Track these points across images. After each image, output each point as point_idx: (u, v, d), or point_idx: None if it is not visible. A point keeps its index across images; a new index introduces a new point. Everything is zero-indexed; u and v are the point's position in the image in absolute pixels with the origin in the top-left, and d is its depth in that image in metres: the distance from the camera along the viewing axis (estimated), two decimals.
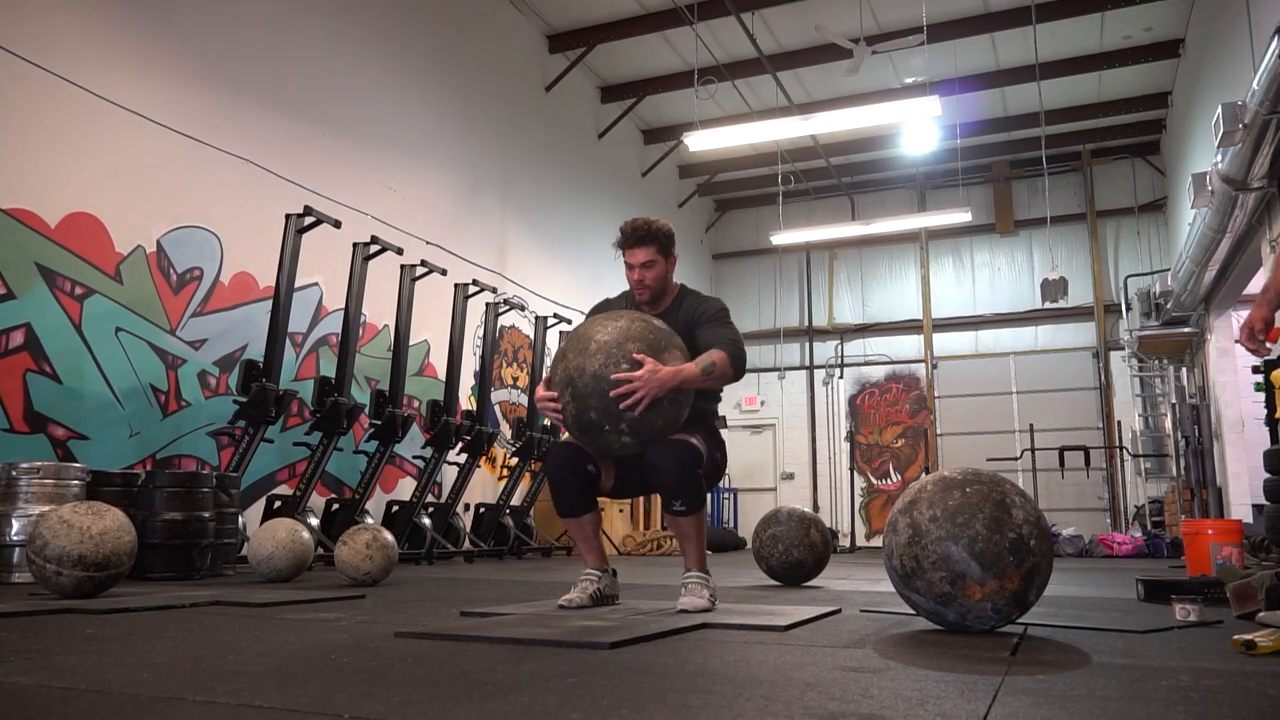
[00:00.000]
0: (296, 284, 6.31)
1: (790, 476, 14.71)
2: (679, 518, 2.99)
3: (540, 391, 3.00)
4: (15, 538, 4.27)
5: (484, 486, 8.96)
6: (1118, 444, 12.66)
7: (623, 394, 2.76)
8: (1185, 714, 1.44)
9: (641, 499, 10.88)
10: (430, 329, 8.24)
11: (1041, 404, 13.23)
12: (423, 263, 7.33)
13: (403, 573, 5.47)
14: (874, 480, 14.24)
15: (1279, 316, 2.98)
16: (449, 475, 7.91)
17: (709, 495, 3.19)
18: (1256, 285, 8.36)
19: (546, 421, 8.78)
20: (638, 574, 5.64)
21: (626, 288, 3.30)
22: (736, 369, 2.99)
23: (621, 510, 10.54)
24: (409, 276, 7.21)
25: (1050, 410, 13.11)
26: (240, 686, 1.60)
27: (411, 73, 8.61)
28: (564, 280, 10.87)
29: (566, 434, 3.10)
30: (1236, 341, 2.93)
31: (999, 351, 13.88)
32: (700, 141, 9.33)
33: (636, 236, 3.13)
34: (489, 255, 9.57)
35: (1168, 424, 11.76)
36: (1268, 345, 2.88)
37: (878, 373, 14.55)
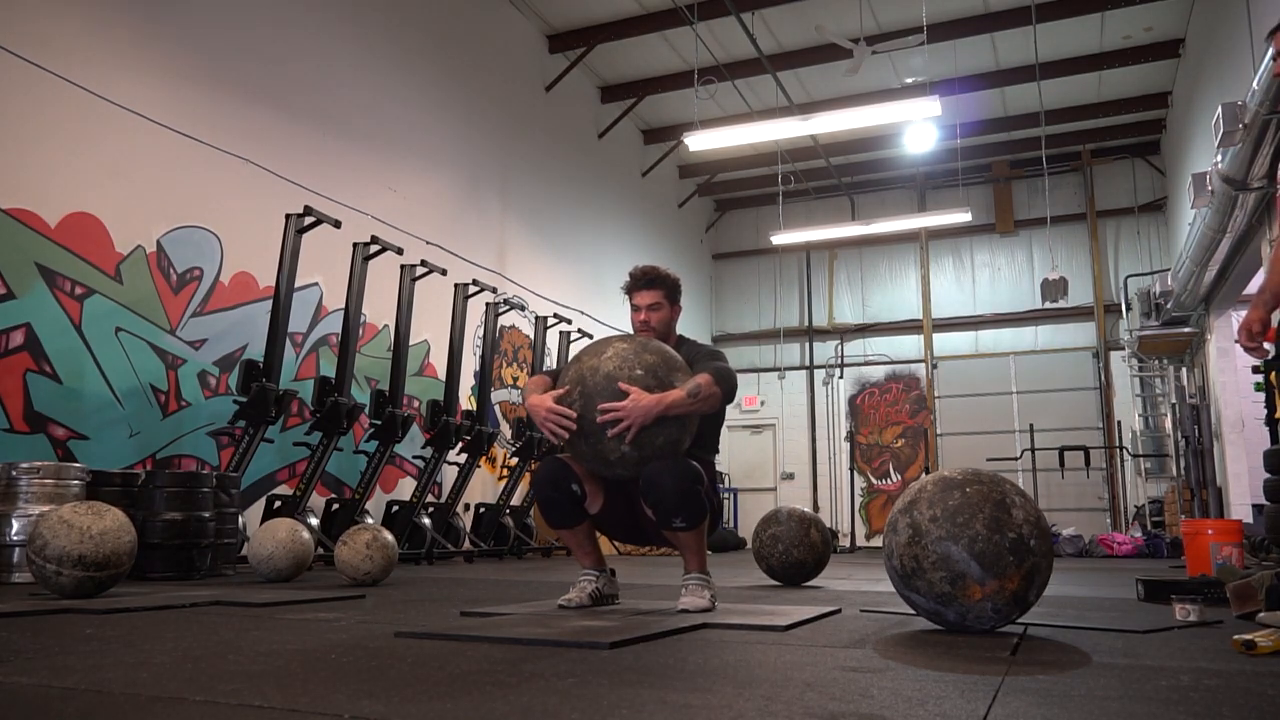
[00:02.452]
0: (296, 284, 6.31)
1: (790, 476, 14.71)
2: (679, 533, 2.92)
3: (549, 402, 2.85)
4: (15, 538, 4.27)
5: (484, 486, 8.96)
6: (1118, 444, 12.66)
7: (611, 421, 2.76)
8: (1185, 714, 1.44)
9: None
10: (430, 329, 8.24)
11: (1041, 404, 13.23)
12: (423, 263, 7.33)
13: (403, 573, 5.47)
14: (874, 480, 14.24)
15: (1275, 317, 2.98)
16: (449, 475, 7.91)
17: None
18: (1256, 285, 8.36)
19: None
20: (637, 574, 5.64)
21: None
22: (724, 390, 2.95)
23: None
24: (409, 276, 7.21)
25: (1050, 410, 13.11)
26: (240, 686, 1.60)
27: (412, 73, 8.61)
28: (564, 280, 10.87)
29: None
30: (1236, 342, 2.93)
31: (999, 351, 13.88)
32: (700, 141, 9.33)
33: (645, 280, 3.22)
34: (489, 255, 9.56)
35: (1168, 424, 11.76)
36: (1265, 346, 2.89)
37: (878, 373, 14.55)
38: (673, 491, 2.82)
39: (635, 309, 3.22)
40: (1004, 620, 2.42)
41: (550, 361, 9.77)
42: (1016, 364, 13.70)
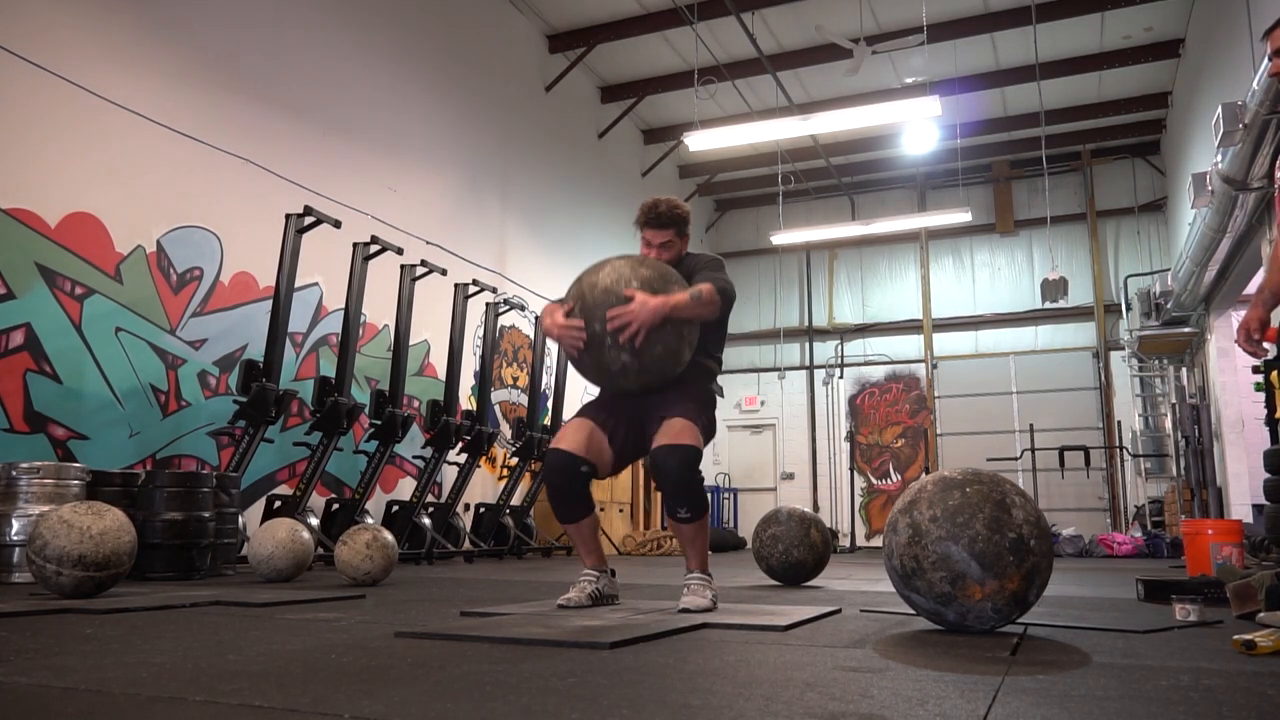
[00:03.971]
0: (296, 284, 6.31)
1: (790, 476, 14.71)
2: (683, 524, 3.04)
3: (559, 319, 2.94)
4: (15, 538, 4.27)
5: (484, 486, 8.96)
6: (1118, 444, 12.66)
7: (615, 332, 2.86)
8: (1185, 714, 1.44)
9: (642, 501, 10.88)
10: (430, 329, 8.24)
11: (1041, 404, 13.23)
12: (423, 263, 7.33)
13: (403, 573, 5.47)
14: (874, 480, 14.24)
15: (1275, 316, 2.99)
16: (449, 475, 7.90)
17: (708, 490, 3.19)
18: (1257, 285, 8.35)
19: (547, 420, 8.78)
20: (638, 574, 5.64)
21: None
22: (724, 299, 3.06)
23: (621, 510, 10.54)
24: (409, 276, 7.21)
25: (1050, 410, 13.11)
26: (240, 686, 1.60)
27: (412, 73, 8.62)
28: (564, 280, 10.74)
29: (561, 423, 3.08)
30: (1235, 342, 2.93)
31: (999, 351, 13.88)
32: (700, 141, 9.33)
33: (660, 219, 3.22)
34: (489, 255, 9.57)
35: (1168, 424, 11.76)
36: (1265, 346, 2.89)
37: (878, 373, 14.55)
38: (678, 484, 2.94)
39: (647, 244, 3.25)
40: (1004, 620, 2.42)
41: (550, 361, 9.79)
42: (1016, 364, 13.69)
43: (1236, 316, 9.97)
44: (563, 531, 9.11)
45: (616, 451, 3.12)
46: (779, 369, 14.99)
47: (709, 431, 3.12)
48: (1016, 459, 12.27)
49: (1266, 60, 5.43)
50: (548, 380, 9.88)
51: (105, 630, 2.44)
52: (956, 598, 2.35)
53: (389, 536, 4.37)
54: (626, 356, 2.89)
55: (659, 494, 11.17)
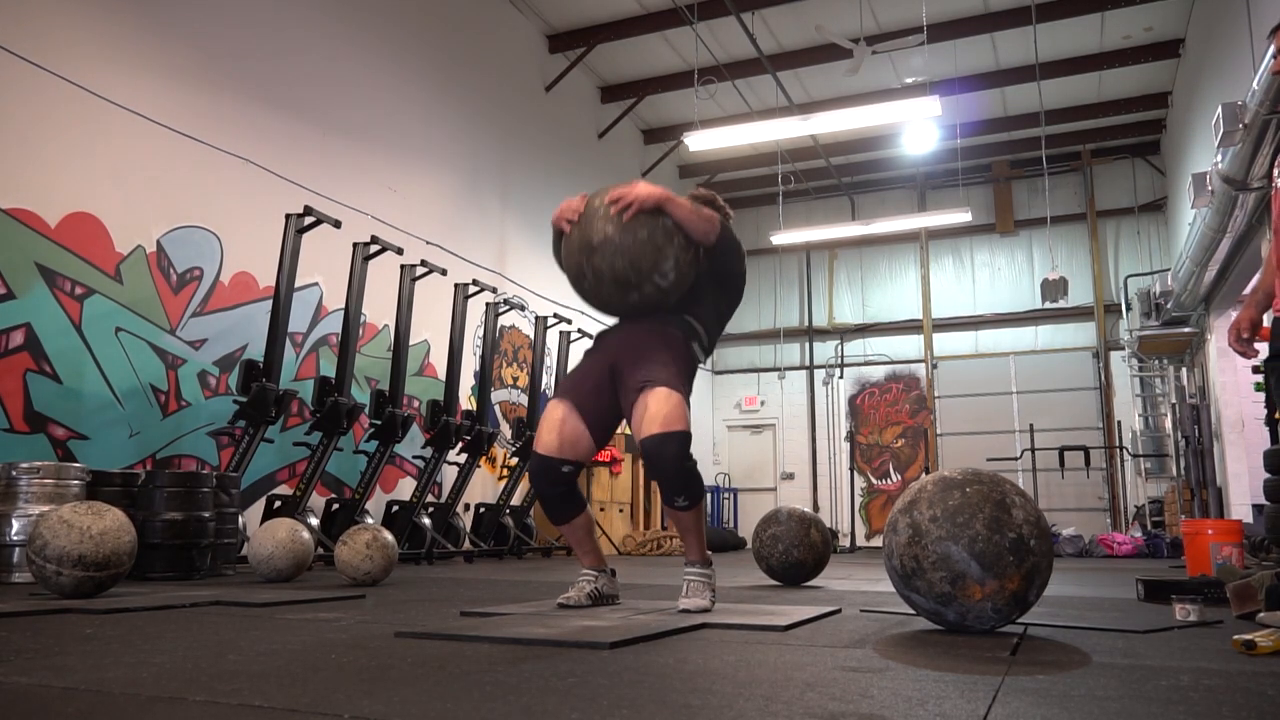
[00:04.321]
0: (296, 284, 6.31)
1: (790, 476, 14.71)
2: (681, 512, 3.04)
3: (569, 201, 3.13)
4: (15, 538, 4.27)
5: (484, 486, 8.96)
6: (1118, 444, 12.66)
7: (614, 200, 2.99)
8: (1185, 714, 1.44)
9: (642, 501, 10.88)
10: (430, 329, 8.24)
11: (1041, 404, 13.23)
12: (423, 263, 7.33)
13: (403, 573, 5.47)
14: (874, 480, 14.24)
15: (1267, 317, 2.99)
16: (449, 475, 7.91)
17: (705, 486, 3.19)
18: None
19: None
20: (638, 574, 5.64)
21: None
22: (723, 231, 3.23)
23: (622, 510, 10.54)
24: (409, 276, 7.21)
25: (1050, 410, 13.11)
26: (240, 686, 1.60)
27: (412, 73, 8.62)
28: (564, 280, 10.80)
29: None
30: (1227, 343, 2.94)
31: (999, 351, 13.88)
32: (700, 141, 9.33)
33: (696, 198, 3.48)
34: (489, 255, 9.57)
35: (1168, 424, 11.76)
36: (1255, 346, 2.89)
37: (878, 373, 14.55)
38: (673, 474, 2.92)
39: None
40: (1004, 620, 2.42)
41: (550, 361, 9.79)
42: (1016, 364, 13.69)
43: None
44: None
45: (594, 428, 3.11)
46: (779, 369, 14.99)
47: (688, 394, 3.12)
48: (1016, 459, 12.27)
49: (1270, 58, 5.43)
50: (548, 380, 9.88)
51: (105, 630, 2.44)
52: (956, 598, 2.35)
53: (389, 536, 4.37)
54: (610, 228, 2.97)
55: (659, 493, 11.16)
